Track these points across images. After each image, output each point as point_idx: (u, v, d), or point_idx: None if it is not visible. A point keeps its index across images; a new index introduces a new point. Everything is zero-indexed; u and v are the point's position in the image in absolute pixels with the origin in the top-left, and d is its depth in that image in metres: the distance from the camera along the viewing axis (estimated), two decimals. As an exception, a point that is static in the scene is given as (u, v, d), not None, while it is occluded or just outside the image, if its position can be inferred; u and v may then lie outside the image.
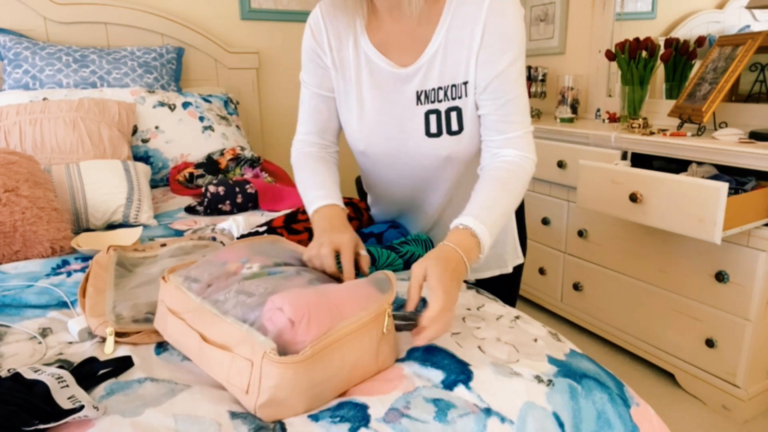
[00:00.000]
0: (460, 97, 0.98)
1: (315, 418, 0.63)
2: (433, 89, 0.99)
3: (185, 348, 0.73)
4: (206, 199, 1.58)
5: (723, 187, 1.40)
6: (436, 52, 0.96)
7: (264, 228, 1.19)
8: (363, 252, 0.91)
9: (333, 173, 1.08)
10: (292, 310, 0.63)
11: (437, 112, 1.00)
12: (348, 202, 1.26)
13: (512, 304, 1.33)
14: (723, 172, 1.71)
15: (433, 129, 1.01)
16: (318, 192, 1.01)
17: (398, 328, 0.83)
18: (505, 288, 1.29)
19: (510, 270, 1.26)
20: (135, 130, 1.94)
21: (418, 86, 0.99)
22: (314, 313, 0.64)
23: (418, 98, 1.00)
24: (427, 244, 1.13)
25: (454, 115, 0.99)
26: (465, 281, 1.26)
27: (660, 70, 2.15)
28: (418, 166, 1.07)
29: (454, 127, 1.00)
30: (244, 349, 0.63)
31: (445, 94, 0.98)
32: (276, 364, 0.60)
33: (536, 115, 2.51)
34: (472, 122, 1.00)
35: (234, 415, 0.64)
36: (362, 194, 1.47)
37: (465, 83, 0.97)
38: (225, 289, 0.73)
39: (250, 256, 0.81)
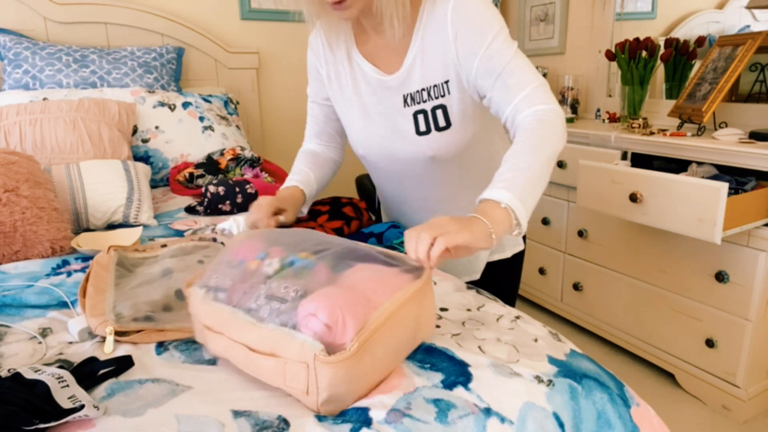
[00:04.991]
0: (443, 95, 1.03)
1: (318, 417, 0.63)
2: (417, 91, 1.04)
3: (231, 359, 0.72)
4: (206, 199, 1.58)
5: (723, 187, 1.40)
6: (415, 57, 1.02)
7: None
8: (282, 217, 1.06)
9: (315, 163, 1.22)
10: (326, 315, 0.64)
11: (424, 111, 1.05)
12: (348, 202, 1.26)
13: (512, 296, 1.34)
14: (723, 172, 1.71)
15: (422, 127, 1.06)
16: (291, 176, 1.18)
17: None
18: (503, 275, 1.29)
19: (508, 255, 1.27)
20: (135, 130, 1.94)
21: (405, 90, 1.06)
22: (348, 312, 0.64)
23: (405, 101, 1.06)
24: (428, 244, 1.13)
25: (440, 112, 1.04)
26: (466, 282, 1.26)
27: (660, 70, 2.15)
28: (414, 164, 1.12)
29: (442, 123, 1.05)
30: (295, 352, 0.63)
31: (429, 94, 1.04)
32: (327, 364, 0.61)
33: (536, 115, 2.51)
34: (460, 117, 1.05)
35: (237, 413, 0.64)
36: (362, 194, 1.47)
37: (446, 82, 1.02)
38: (253, 294, 0.72)
39: (266, 249, 0.79)
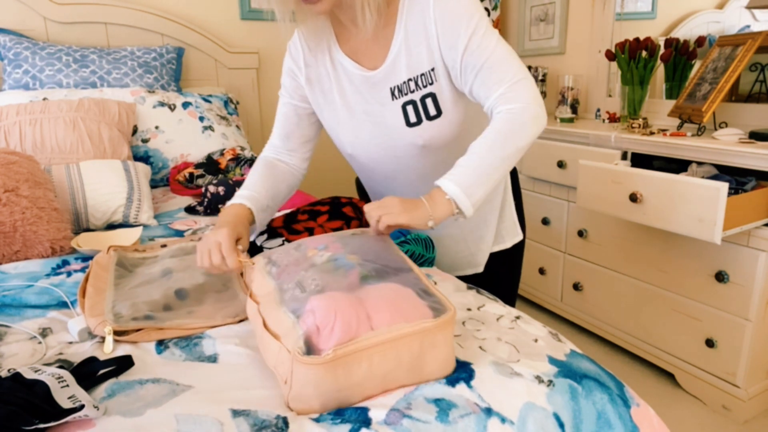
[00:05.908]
0: (431, 83, 1.02)
1: (316, 418, 0.63)
2: (404, 82, 1.03)
3: (254, 327, 0.76)
4: (206, 199, 1.58)
5: (723, 187, 1.40)
6: (400, 48, 1.01)
7: (264, 228, 1.18)
8: (240, 247, 0.93)
9: (271, 176, 1.12)
10: (321, 315, 0.65)
11: (413, 102, 1.04)
12: (348, 201, 1.26)
13: (515, 287, 1.34)
14: (723, 172, 1.71)
15: (413, 119, 1.05)
16: (241, 191, 1.06)
17: None
18: (505, 266, 1.30)
19: (509, 246, 1.28)
20: (135, 130, 1.94)
21: (391, 83, 1.04)
22: (340, 321, 0.64)
23: (393, 94, 1.05)
24: (427, 243, 1.13)
25: (429, 101, 1.03)
26: (465, 281, 1.26)
27: (660, 70, 2.15)
28: (405, 156, 1.10)
29: (432, 112, 1.04)
30: (289, 340, 0.65)
31: (417, 84, 1.03)
32: (300, 363, 0.62)
33: (536, 115, 2.51)
34: (451, 104, 1.03)
35: (236, 413, 0.64)
36: (362, 194, 1.47)
37: (432, 69, 1.01)
38: (292, 276, 0.76)
39: (329, 243, 0.83)
